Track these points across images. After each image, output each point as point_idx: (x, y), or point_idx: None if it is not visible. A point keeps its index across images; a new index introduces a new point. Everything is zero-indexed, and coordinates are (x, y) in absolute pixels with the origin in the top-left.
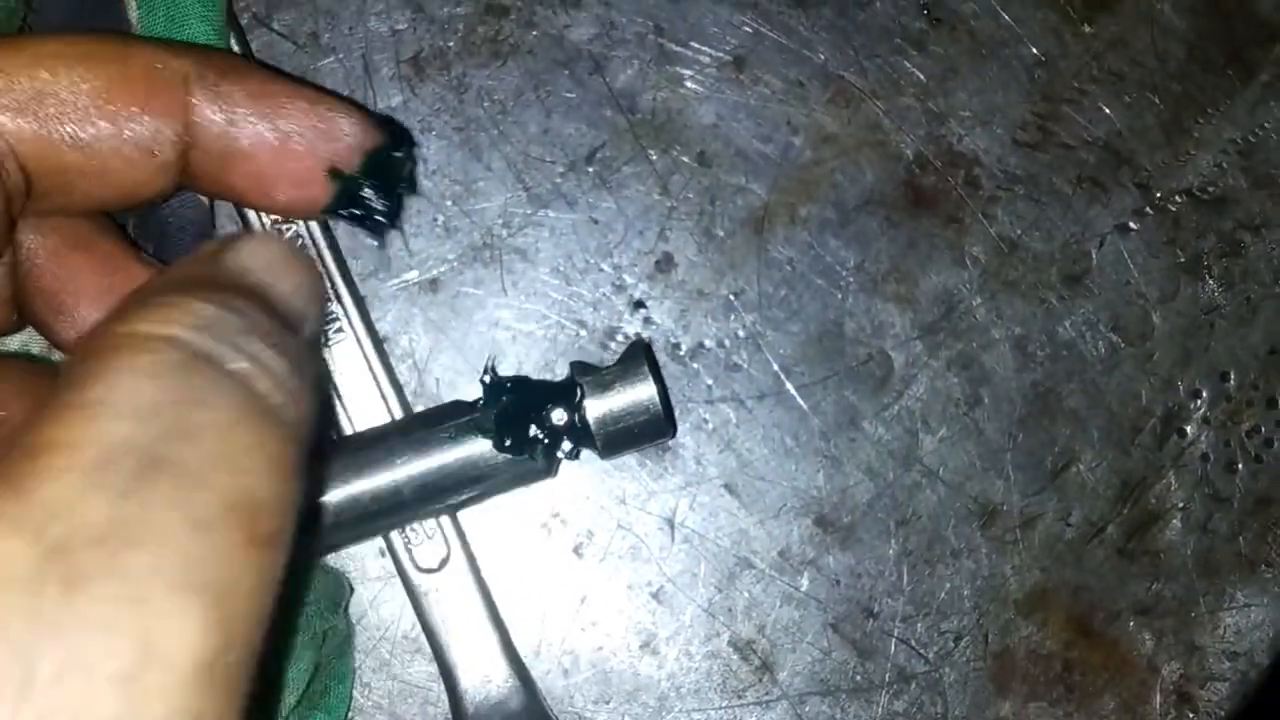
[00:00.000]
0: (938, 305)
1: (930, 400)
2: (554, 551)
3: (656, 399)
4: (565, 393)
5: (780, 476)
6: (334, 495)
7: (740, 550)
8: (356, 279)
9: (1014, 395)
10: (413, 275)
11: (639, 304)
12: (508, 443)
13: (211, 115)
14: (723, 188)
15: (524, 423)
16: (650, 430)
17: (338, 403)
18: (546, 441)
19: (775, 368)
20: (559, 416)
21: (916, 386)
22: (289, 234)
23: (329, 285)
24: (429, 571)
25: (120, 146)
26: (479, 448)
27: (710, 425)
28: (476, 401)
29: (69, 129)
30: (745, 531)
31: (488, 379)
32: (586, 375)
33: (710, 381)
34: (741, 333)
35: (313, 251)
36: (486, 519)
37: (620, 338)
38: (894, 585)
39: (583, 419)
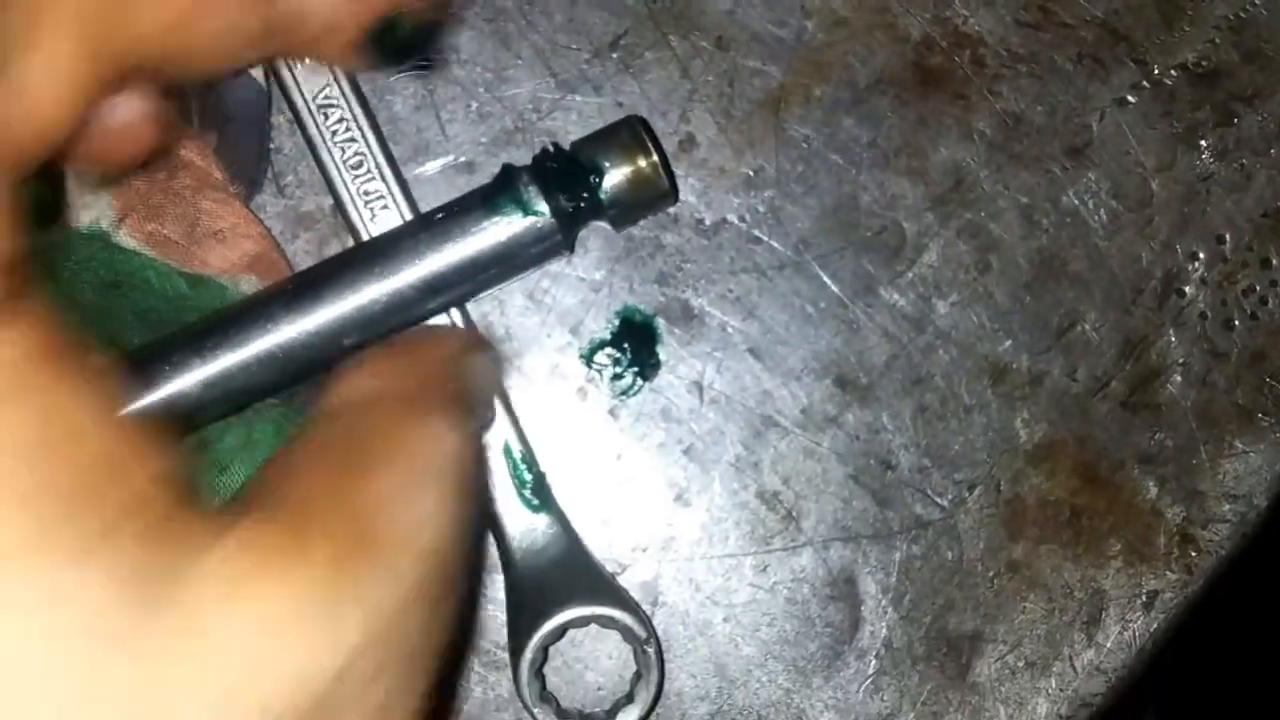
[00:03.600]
0: (947, 178)
1: (942, 267)
2: (590, 414)
3: (661, 173)
4: (587, 167)
5: (801, 341)
6: (371, 290)
7: (765, 409)
8: (399, 159)
9: (1021, 261)
10: (449, 158)
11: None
12: (558, 205)
13: None
14: (740, 70)
15: (570, 188)
16: (657, 201)
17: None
18: (581, 208)
19: (794, 240)
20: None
21: (928, 254)
22: (334, 116)
23: (373, 164)
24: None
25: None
26: (506, 227)
27: (734, 295)
28: (495, 183)
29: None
30: (769, 392)
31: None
32: (590, 150)
33: (733, 254)
34: (761, 207)
35: (357, 132)
36: (526, 383)
37: (651, 224)
38: (910, 440)
39: (597, 195)
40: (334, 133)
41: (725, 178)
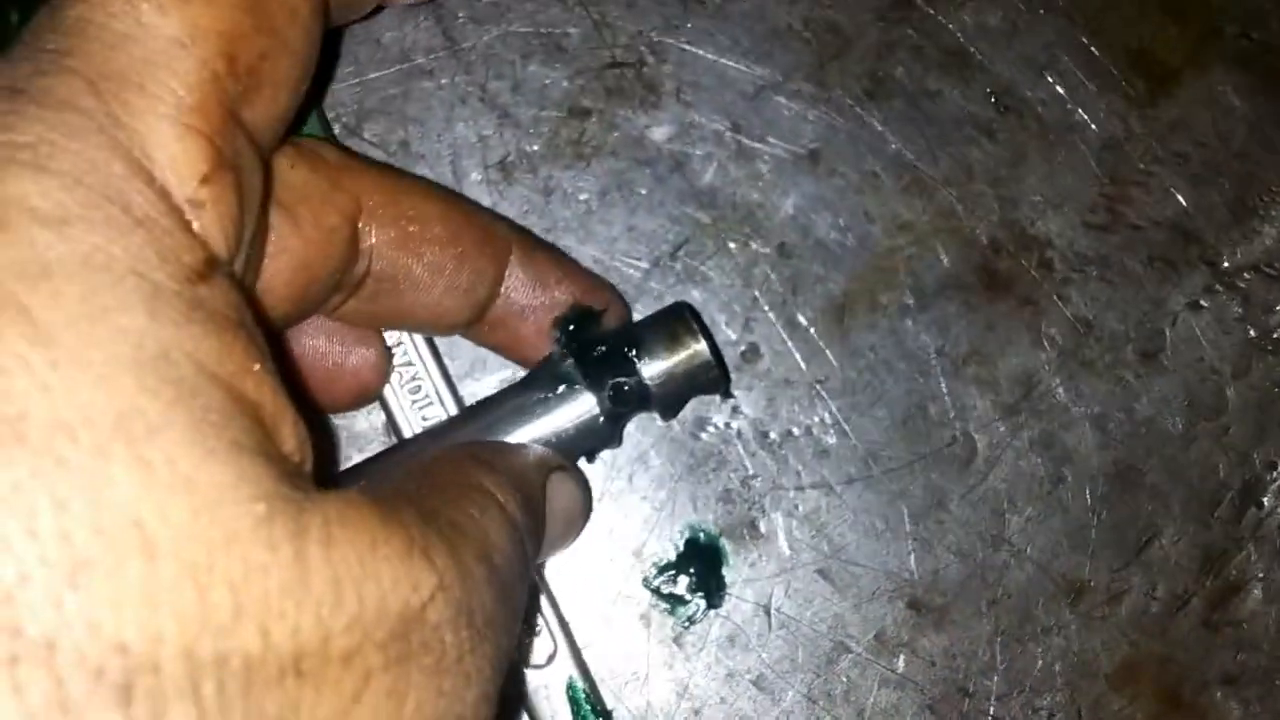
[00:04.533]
0: (1018, 386)
1: (1014, 480)
2: (654, 644)
3: (707, 351)
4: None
5: (872, 560)
6: None
7: (837, 634)
8: (455, 377)
9: (1095, 472)
10: (507, 373)
11: (726, 394)
12: (598, 380)
13: (523, 275)
14: (803, 277)
15: (611, 366)
16: (707, 384)
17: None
18: (626, 393)
19: (862, 452)
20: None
21: (1001, 467)
22: (392, 338)
23: (431, 388)
24: (538, 668)
25: (457, 283)
26: (545, 405)
27: (801, 511)
28: (537, 366)
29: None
30: (840, 616)
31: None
32: (632, 339)
33: (799, 468)
34: (828, 419)
35: (414, 353)
36: (588, 611)
37: (710, 428)
38: (987, 664)
39: (640, 382)
40: (391, 355)
41: (790, 389)
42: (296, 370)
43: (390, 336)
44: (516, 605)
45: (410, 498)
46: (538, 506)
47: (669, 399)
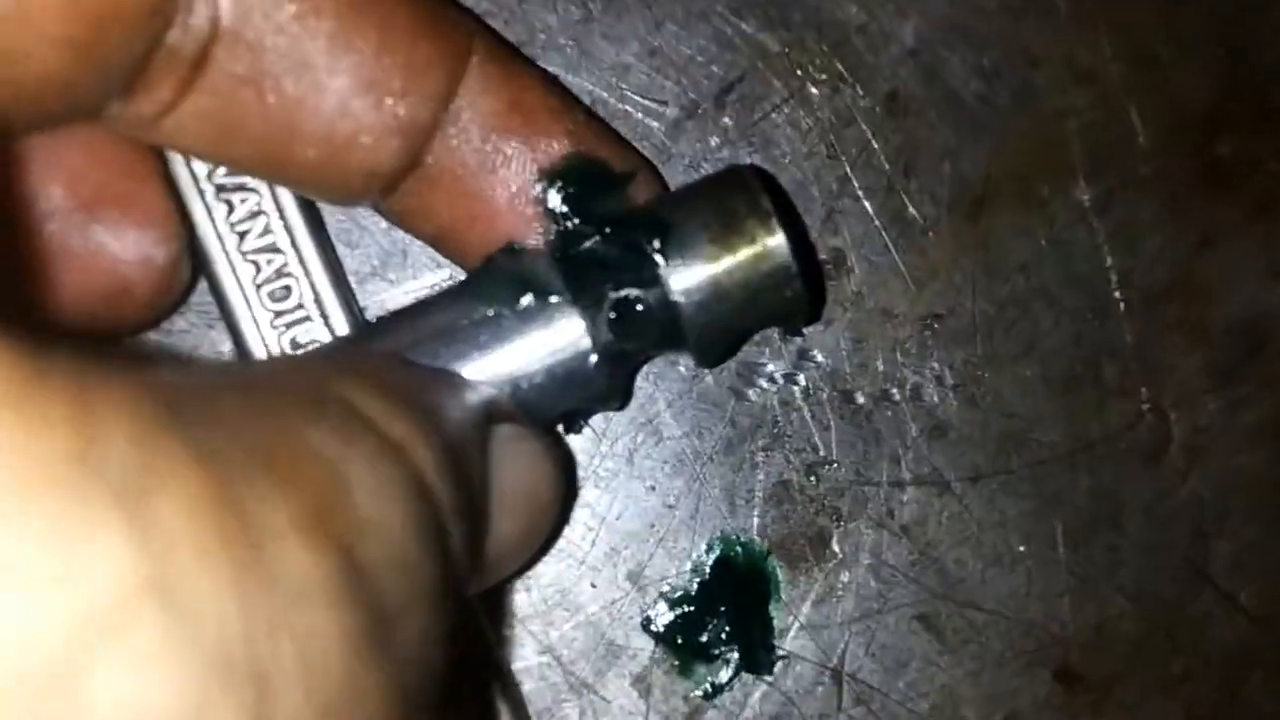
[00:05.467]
0: (1241, 339)
1: (1228, 485)
2: (657, 717)
3: (784, 241)
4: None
5: (1005, 603)
6: None
7: (944, 718)
8: (353, 278)
9: None
10: (441, 275)
11: (794, 330)
12: (595, 298)
13: (491, 92)
14: (923, 149)
15: (617, 270)
16: (781, 305)
17: None
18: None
19: (996, 432)
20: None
21: (1207, 464)
22: (245, 204)
23: (306, 288)
24: None
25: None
26: (501, 333)
27: (898, 520)
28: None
29: None
30: (951, 690)
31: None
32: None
33: (899, 450)
34: (948, 377)
35: (282, 234)
36: (551, 670)
37: (760, 382)
38: None
39: (664, 299)
40: (243, 234)
41: (890, 325)
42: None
43: (245, 203)
44: (415, 652)
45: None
46: (470, 472)
47: (713, 331)
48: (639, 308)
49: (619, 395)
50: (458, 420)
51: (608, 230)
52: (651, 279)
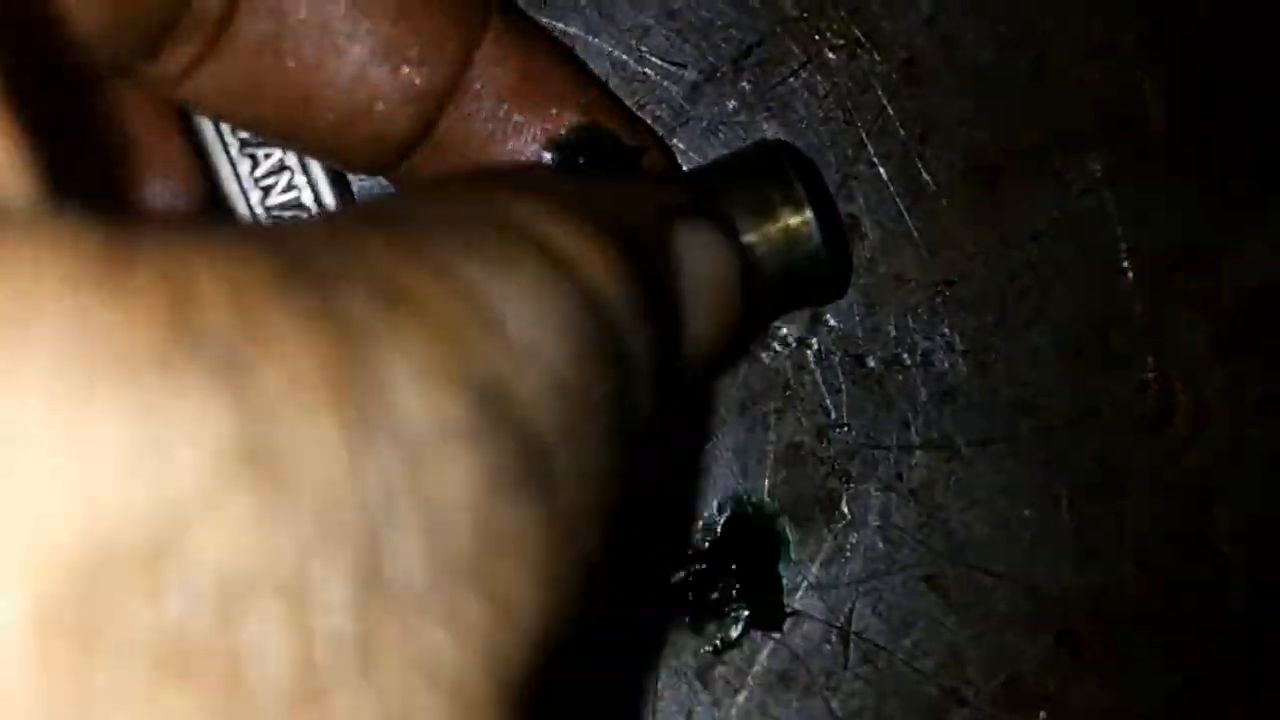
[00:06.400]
0: (1249, 310)
1: (1233, 456)
2: (667, 675)
3: (816, 230)
4: None
5: (1010, 566)
6: None
7: (948, 677)
8: None
9: None
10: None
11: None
12: None
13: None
14: (939, 116)
15: None
16: (812, 285)
17: None
18: None
19: (1008, 398)
20: None
21: (1214, 434)
22: (270, 158)
23: None
24: None
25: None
26: None
27: (907, 484)
28: None
29: None
30: (956, 649)
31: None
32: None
33: (910, 415)
34: (958, 343)
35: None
36: None
37: (773, 345)
38: None
39: None
40: (267, 189)
41: (902, 291)
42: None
43: (269, 159)
44: (583, 484)
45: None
46: (656, 271)
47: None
48: None
49: None
50: (637, 224)
51: None
52: None
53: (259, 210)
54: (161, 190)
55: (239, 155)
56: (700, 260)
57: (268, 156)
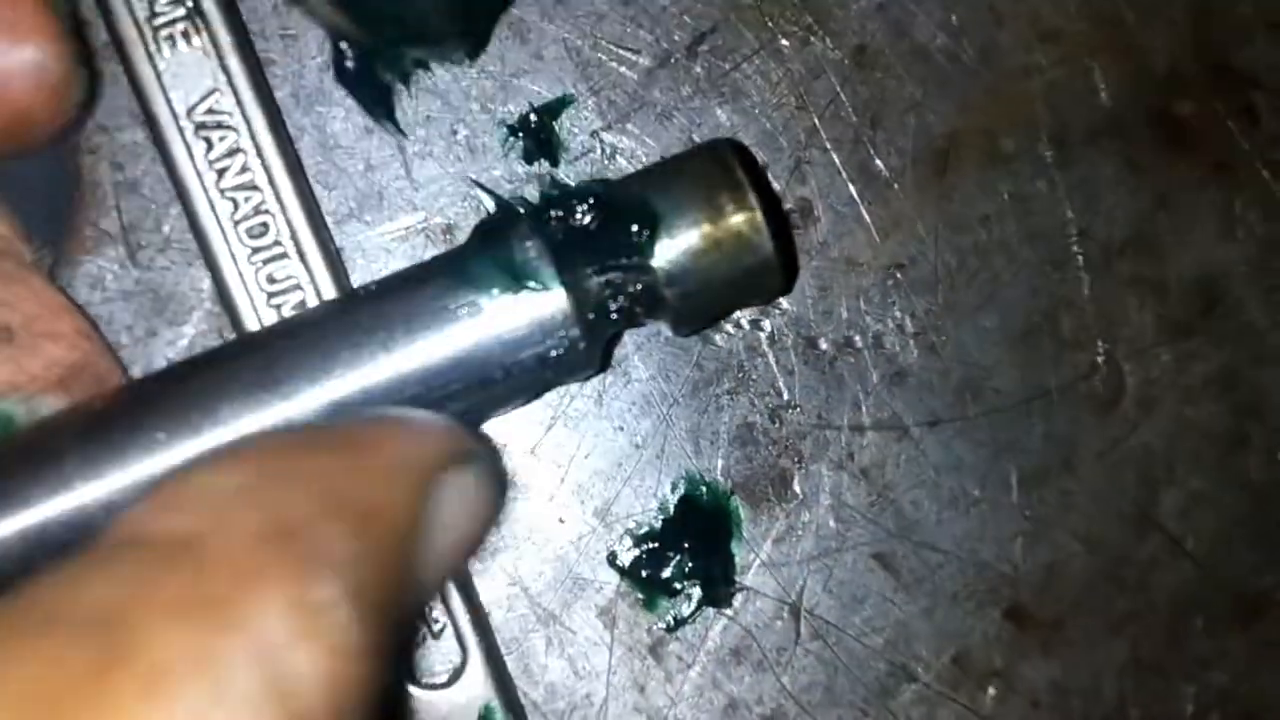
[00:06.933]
0: (1195, 295)
1: (1177, 436)
2: (621, 651)
3: (767, 237)
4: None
5: (959, 544)
6: (246, 421)
7: (897, 653)
8: (330, 219)
9: None
10: (417, 217)
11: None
12: (580, 281)
13: None
14: (890, 102)
15: (601, 252)
16: (760, 288)
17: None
18: (620, 288)
19: (957, 379)
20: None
21: (1158, 415)
22: (224, 143)
23: (282, 225)
24: (436, 687)
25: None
26: (488, 316)
27: (858, 463)
28: (472, 243)
29: None
30: (905, 625)
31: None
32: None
33: (860, 396)
34: (909, 325)
35: (260, 172)
36: (518, 602)
37: (727, 328)
38: (1115, 708)
39: (651, 283)
40: (221, 171)
41: (854, 274)
42: None
43: (224, 141)
44: None
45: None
46: (403, 567)
47: (694, 311)
48: (626, 290)
49: (597, 365)
50: (381, 503)
51: (595, 211)
52: (639, 264)
53: (213, 192)
54: (32, 56)
55: (193, 138)
56: (453, 504)
57: (222, 139)
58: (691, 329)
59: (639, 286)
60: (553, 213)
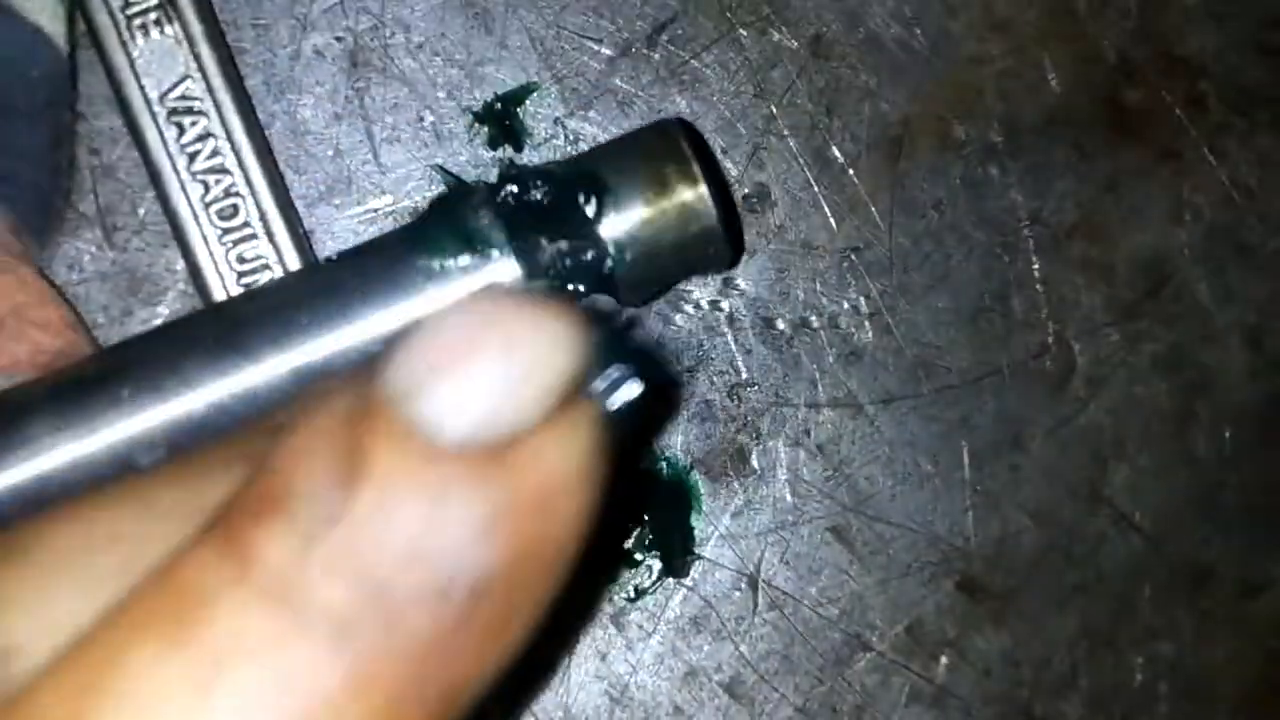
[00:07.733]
0: (1142, 276)
1: (1125, 413)
2: (581, 621)
3: (712, 207)
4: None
5: (911, 517)
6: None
7: (852, 623)
8: (300, 202)
9: (1242, 410)
10: (384, 200)
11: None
12: (533, 250)
13: None
14: (845, 90)
15: (552, 224)
16: (705, 258)
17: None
18: (571, 258)
19: (910, 359)
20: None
21: (1107, 393)
22: (195, 127)
23: (253, 207)
24: None
25: None
26: (444, 283)
27: (814, 439)
28: (430, 214)
29: None
30: (860, 596)
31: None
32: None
33: (817, 375)
34: (864, 306)
35: (230, 155)
36: None
37: (687, 308)
38: (1065, 678)
39: (599, 252)
40: (193, 155)
41: (810, 257)
42: None
43: (195, 126)
44: None
45: None
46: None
47: (642, 280)
48: (575, 259)
49: None
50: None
51: (548, 186)
52: (588, 233)
53: (185, 175)
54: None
55: (166, 123)
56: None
57: (194, 124)
58: (640, 299)
59: (589, 255)
60: (507, 188)
